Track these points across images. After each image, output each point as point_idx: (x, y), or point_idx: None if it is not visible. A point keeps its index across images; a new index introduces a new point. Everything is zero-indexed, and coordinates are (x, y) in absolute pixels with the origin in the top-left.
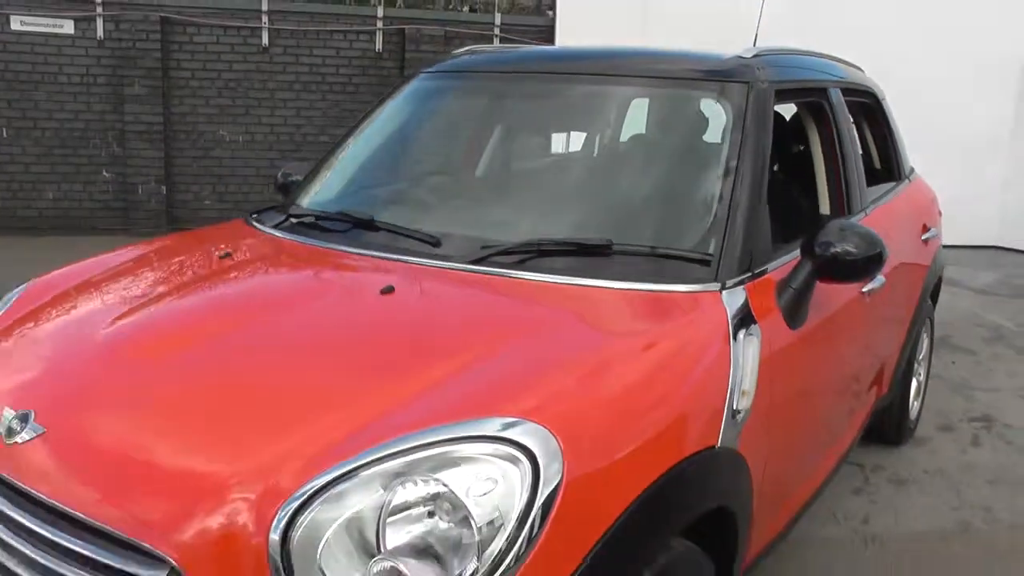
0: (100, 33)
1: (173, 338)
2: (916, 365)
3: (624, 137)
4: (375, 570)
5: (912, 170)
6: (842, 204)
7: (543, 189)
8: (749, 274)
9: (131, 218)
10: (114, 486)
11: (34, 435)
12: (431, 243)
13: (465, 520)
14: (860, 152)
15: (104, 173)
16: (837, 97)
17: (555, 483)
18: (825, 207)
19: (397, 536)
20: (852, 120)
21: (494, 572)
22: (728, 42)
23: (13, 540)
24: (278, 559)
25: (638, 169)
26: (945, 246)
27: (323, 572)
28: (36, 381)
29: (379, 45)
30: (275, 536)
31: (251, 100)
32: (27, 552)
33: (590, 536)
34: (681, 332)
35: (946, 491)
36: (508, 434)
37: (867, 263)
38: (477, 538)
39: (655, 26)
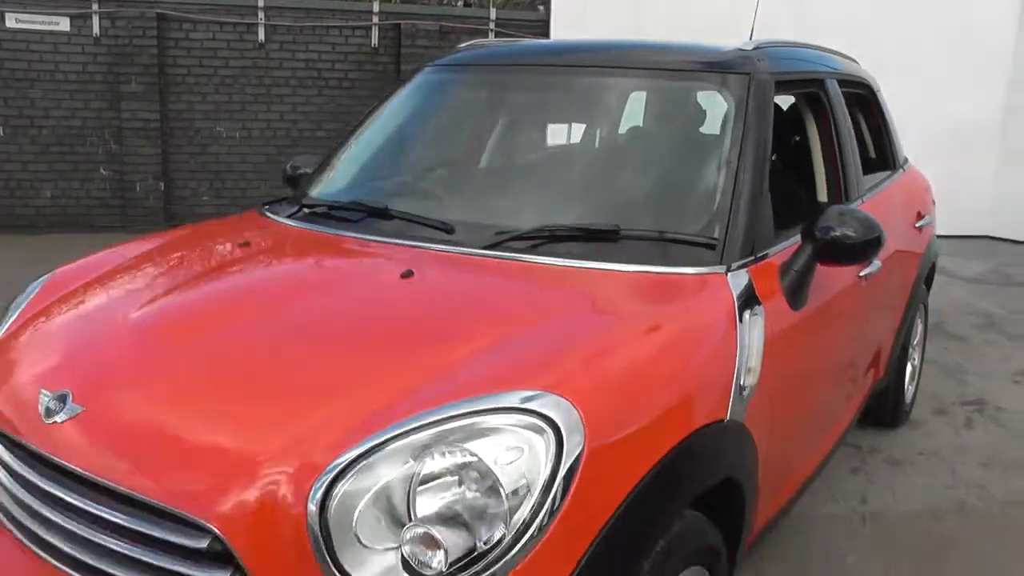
0: (96, 30)
1: (203, 320)
2: (911, 350)
3: (631, 128)
4: (408, 536)
5: (906, 159)
6: (839, 192)
7: (552, 178)
8: (752, 258)
9: (129, 215)
10: (155, 460)
11: (73, 414)
12: (445, 230)
13: (492, 489)
14: (856, 142)
15: (102, 170)
16: (834, 88)
17: (577, 453)
18: (823, 195)
19: (427, 505)
20: (848, 111)
21: (519, 540)
22: (723, 34)
23: (56, 516)
24: (317, 528)
25: (645, 158)
26: (937, 236)
27: (359, 539)
28: (70, 363)
29: (375, 40)
30: (313, 507)
31: (248, 96)
32: (70, 527)
33: (608, 505)
34: (690, 312)
35: (941, 471)
36: (533, 406)
37: (866, 246)
38: (506, 505)
39: (650, 20)
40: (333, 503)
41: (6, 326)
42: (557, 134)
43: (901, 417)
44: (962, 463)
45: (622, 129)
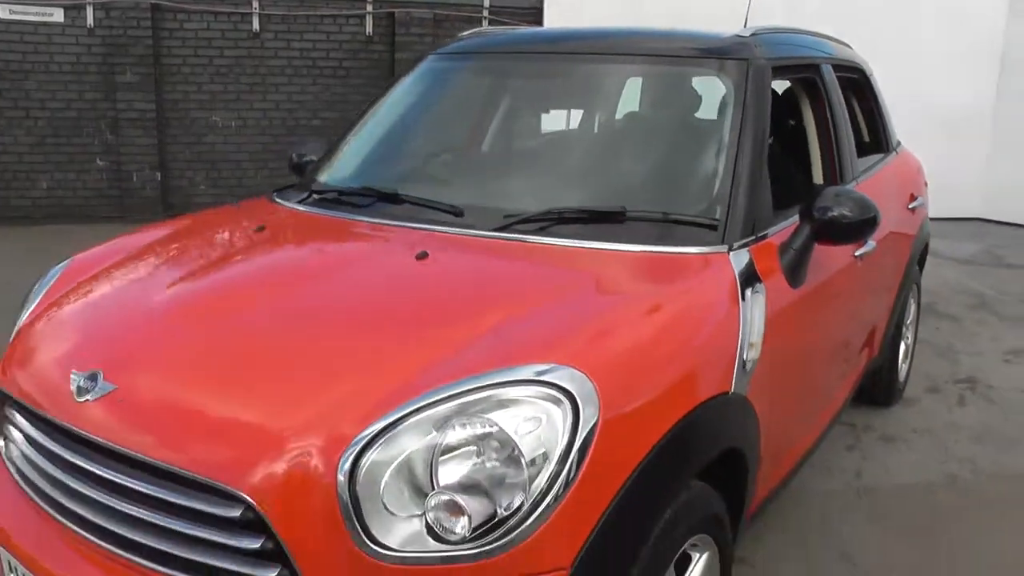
0: (90, 21)
1: (227, 301)
2: (904, 329)
3: (634, 113)
4: (432, 503)
5: (899, 142)
6: (835, 174)
7: (558, 162)
8: (752, 237)
9: (126, 206)
10: (188, 435)
11: (105, 393)
12: (455, 213)
13: (511, 458)
14: (850, 125)
15: (98, 161)
16: (829, 73)
17: (592, 424)
18: (819, 177)
19: (449, 474)
20: (842, 95)
21: (537, 507)
22: (719, 20)
23: (91, 491)
24: (346, 497)
25: (648, 143)
26: (930, 218)
27: (386, 507)
28: (99, 344)
29: (369, 29)
30: (342, 477)
31: (243, 86)
32: (105, 501)
33: (620, 475)
34: (694, 290)
35: (933, 448)
36: (550, 378)
37: (862, 226)
38: (526, 473)
39: (644, 7)
40: (361, 473)
41: (29, 311)
42: (556, 120)
43: (895, 395)
44: (954, 440)
45: (625, 114)
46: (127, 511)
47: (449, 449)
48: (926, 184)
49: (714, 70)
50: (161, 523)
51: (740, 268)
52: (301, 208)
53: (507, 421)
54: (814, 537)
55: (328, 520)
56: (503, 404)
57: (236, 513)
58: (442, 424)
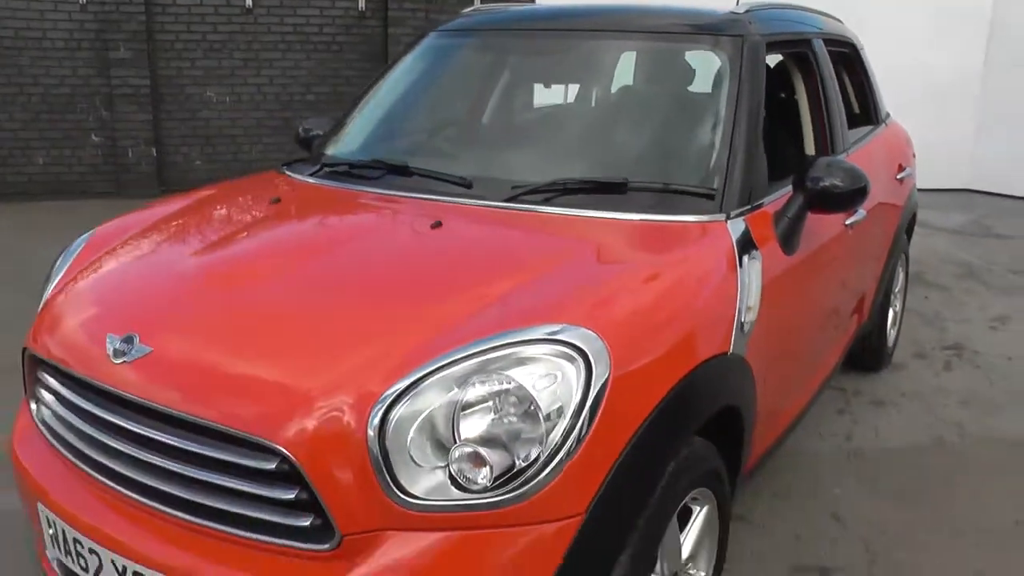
0: None
1: (253, 267)
2: (893, 297)
3: (632, 87)
4: (456, 455)
5: (888, 115)
6: (826, 145)
7: (560, 135)
8: (749, 206)
9: (122, 181)
10: (225, 392)
11: (143, 354)
12: (464, 185)
13: (528, 413)
14: (841, 98)
15: (93, 137)
16: (820, 47)
17: (603, 380)
18: (811, 148)
19: (471, 427)
20: (833, 68)
21: (552, 460)
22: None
23: (126, 447)
24: (376, 450)
25: (648, 116)
26: (919, 189)
27: (413, 459)
28: (133, 308)
29: (362, 4)
30: (372, 432)
31: (236, 61)
32: (141, 456)
33: (628, 430)
34: (694, 256)
35: (921, 411)
36: (564, 337)
37: (853, 195)
38: (543, 427)
39: None
40: (390, 427)
41: (56, 281)
42: (549, 95)
43: (884, 360)
44: (942, 404)
45: (623, 89)
46: (161, 465)
47: (470, 405)
48: (914, 155)
49: (711, 46)
50: (197, 476)
51: (737, 236)
52: (312, 180)
53: (524, 378)
54: (806, 499)
55: (359, 472)
56: (520, 362)
57: (271, 465)
58: (463, 381)
